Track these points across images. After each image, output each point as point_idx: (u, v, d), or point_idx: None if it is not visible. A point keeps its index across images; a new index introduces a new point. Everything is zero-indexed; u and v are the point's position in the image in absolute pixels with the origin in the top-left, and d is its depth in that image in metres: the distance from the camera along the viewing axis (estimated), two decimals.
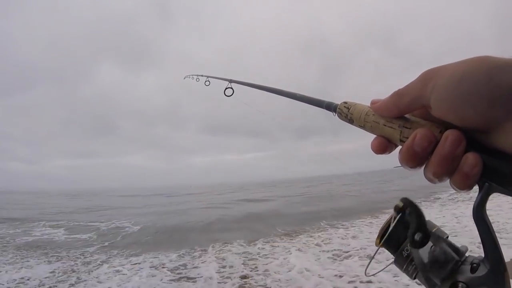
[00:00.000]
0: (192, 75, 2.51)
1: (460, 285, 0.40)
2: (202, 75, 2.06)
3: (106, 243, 8.50)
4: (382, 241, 0.47)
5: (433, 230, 0.46)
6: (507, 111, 0.36)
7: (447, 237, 0.47)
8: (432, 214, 9.32)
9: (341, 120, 0.56)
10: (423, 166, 0.44)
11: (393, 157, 0.48)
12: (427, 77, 0.42)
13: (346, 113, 0.54)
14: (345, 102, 0.55)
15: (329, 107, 0.60)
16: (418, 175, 0.45)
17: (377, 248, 0.49)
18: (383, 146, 0.48)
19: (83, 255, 7.16)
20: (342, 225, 8.87)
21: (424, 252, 0.44)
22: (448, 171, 0.40)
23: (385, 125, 0.47)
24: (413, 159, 0.43)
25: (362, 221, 9.18)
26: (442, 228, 0.48)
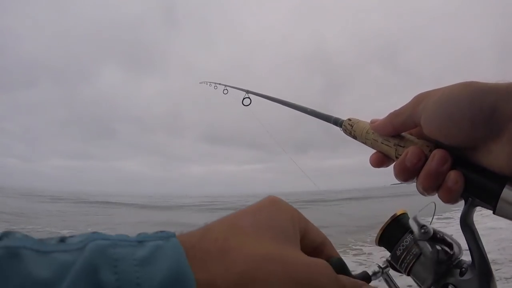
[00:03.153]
0: (209, 82, 2.59)
1: (450, 286, 0.45)
2: (220, 84, 2.15)
3: None
4: (380, 240, 0.54)
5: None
6: (488, 131, 0.41)
7: None
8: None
9: (340, 135, 0.63)
10: (415, 181, 0.50)
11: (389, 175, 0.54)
12: (419, 99, 0.48)
13: (350, 130, 0.60)
14: (350, 119, 0.62)
15: (336, 122, 0.66)
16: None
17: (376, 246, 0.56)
18: (381, 161, 0.54)
19: None
20: None
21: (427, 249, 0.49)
22: (435, 185, 0.46)
23: (382, 143, 0.53)
24: (404, 173, 0.48)
25: None
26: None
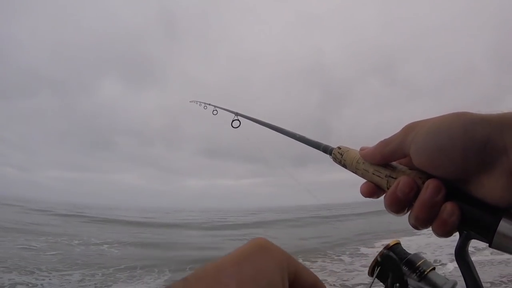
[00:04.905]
0: (199, 101, 2.58)
1: None
2: (210, 104, 2.14)
3: None
4: (375, 273, 0.52)
5: (419, 263, 0.49)
6: (480, 163, 0.40)
7: (434, 268, 0.50)
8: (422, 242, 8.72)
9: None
10: (406, 213, 0.48)
11: None
12: (409, 129, 0.46)
13: (340, 159, 0.58)
14: (339, 148, 0.60)
15: (326, 150, 0.65)
16: None
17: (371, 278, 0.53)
18: (371, 191, 0.52)
19: None
20: None
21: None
22: (429, 216, 0.43)
23: (373, 174, 0.51)
24: (395, 204, 0.46)
25: None
26: (429, 260, 0.51)
